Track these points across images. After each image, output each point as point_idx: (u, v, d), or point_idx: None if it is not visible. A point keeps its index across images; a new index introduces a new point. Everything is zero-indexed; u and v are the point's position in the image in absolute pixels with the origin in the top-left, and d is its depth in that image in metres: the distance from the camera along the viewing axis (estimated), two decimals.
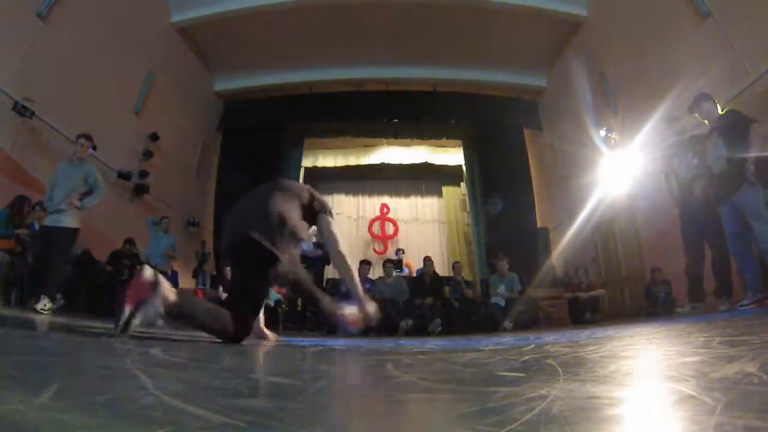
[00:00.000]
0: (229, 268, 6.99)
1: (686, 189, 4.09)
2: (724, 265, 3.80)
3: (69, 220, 3.92)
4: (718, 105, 3.81)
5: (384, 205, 11.84)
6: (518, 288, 6.12)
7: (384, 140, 10.64)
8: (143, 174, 7.26)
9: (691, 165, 4.06)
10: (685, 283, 4.19)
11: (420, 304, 5.93)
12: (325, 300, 2.19)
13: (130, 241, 6.17)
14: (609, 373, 0.87)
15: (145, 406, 0.53)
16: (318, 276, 7.19)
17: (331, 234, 2.23)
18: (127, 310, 1.57)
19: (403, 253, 9.71)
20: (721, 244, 3.77)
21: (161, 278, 1.68)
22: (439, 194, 12.21)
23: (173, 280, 6.93)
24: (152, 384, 0.68)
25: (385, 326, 5.79)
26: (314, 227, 2.33)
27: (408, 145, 10.93)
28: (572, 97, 7.75)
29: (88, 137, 4.25)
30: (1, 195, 4.64)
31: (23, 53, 5.01)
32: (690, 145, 4.15)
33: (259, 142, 9.10)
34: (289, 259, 1.98)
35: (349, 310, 2.16)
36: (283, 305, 7.08)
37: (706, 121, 3.82)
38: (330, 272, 9.87)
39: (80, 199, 3.98)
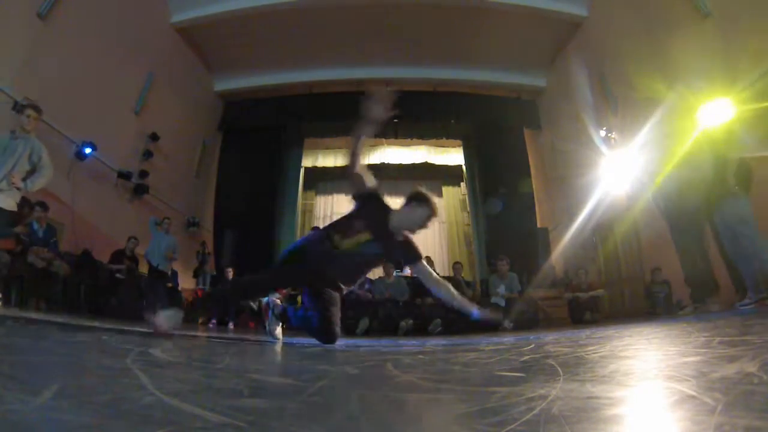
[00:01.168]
0: (231, 269, 7.00)
1: (670, 200, 4.17)
2: (698, 267, 3.88)
3: (5, 201, 3.36)
4: (715, 109, 3.83)
5: None
6: (518, 288, 6.12)
7: (384, 140, 10.64)
8: (143, 174, 7.26)
9: (673, 178, 4.15)
10: (686, 287, 4.23)
11: (420, 304, 5.92)
12: None
13: (134, 238, 6.16)
14: (609, 373, 0.87)
15: (145, 406, 0.53)
16: None
17: None
18: None
19: None
20: (698, 247, 3.89)
21: None
22: (439, 194, 12.20)
23: (173, 280, 6.93)
24: (152, 384, 0.68)
25: (385, 326, 5.80)
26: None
27: (408, 145, 10.93)
28: (572, 97, 7.75)
29: (36, 108, 3.60)
30: None
31: (23, 53, 5.01)
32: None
33: (259, 142, 9.10)
34: None
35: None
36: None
37: (703, 124, 3.86)
38: None
39: (23, 179, 3.40)
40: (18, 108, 3.72)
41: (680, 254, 4.15)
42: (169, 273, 6.83)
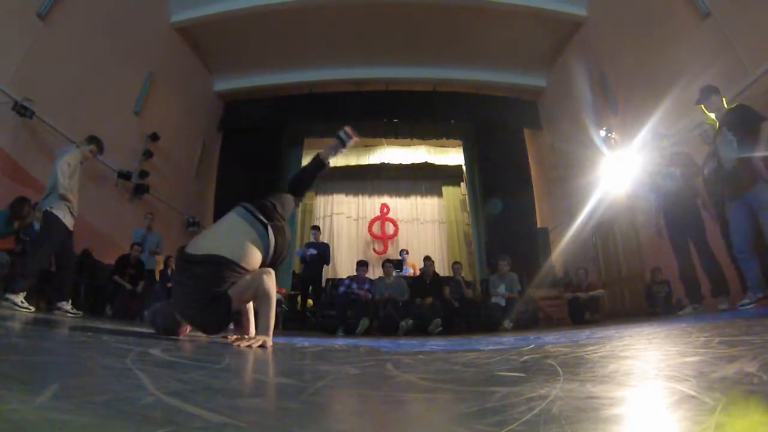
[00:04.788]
0: None
1: (671, 200, 4.17)
2: (713, 265, 3.86)
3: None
4: (724, 99, 3.80)
5: (384, 205, 11.84)
6: (518, 288, 6.12)
7: (384, 140, 10.64)
8: (143, 174, 7.26)
9: (675, 177, 4.16)
10: (682, 286, 4.26)
11: (420, 304, 5.93)
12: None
13: (138, 244, 6.12)
14: (609, 373, 0.87)
15: (145, 406, 0.53)
16: (316, 276, 7.18)
17: None
18: None
19: (407, 253, 9.70)
20: (706, 247, 3.90)
21: None
22: (439, 194, 12.21)
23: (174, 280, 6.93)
24: (152, 384, 0.68)
25: (385, 326, 5.80)
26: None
27: (408, 145, 10.93)
28: (572, 97, 7.75)
29: (100, 145, 4.17)
30: (1, 195, 4.64)
31: (23, 53, 5.01)
32: (673, 160, 4.33)
33: (259, 142, 9.10)
34: None
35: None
36: (283, 305, 7.08)
37: (714, 114, 3.80)
38: (330, 272, 9.88)
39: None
40: (85, 142, 4.14)
41: (674, 250, 4.17)
42: (169, 272, 6.82)
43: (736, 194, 3.48)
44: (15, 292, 3.50)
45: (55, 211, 3.74)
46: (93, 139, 4.15)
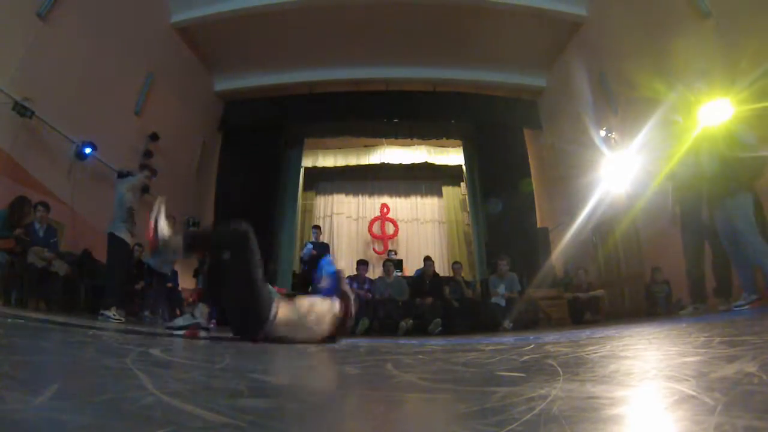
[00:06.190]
0: None
1: (685, 189, 4.12)
2: (724, 265, 3.83)
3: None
4: (715, 108, 3.83)
5: (384, 205, 11.84)
6: (518, 288, 6.12)
7: (384, 140, 10.64)
8: None
9: (689, 165, 4.09)
10: (687, 284, 4.21)
11: (420, 304, 5.93)
12: None
13: (139, 245, 6.11)
14: (609, 373, 0.87)
15: (145, 406, 0.53)
16: (316, 276, 7.17)
17: None
18: None
19: (395, 254, 9.71)
20: (721, 244, 3.80)
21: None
22: (439, 194, 12.21)
23: (173, 280, 6.93)
24: (152, 384, 0.68)
25: (385, 326, 5.80)
26: None
27: (408, 145, 10.93)
28: (572, 97, 7.75)
29: (153, 171, 4.96)
30: (1, 195, 4.64)
31: (23, 53, 5.01)
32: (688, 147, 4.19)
33: (259, 142, 9.10)
34: None
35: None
36: None
37: (703, 123, 3.84)
38: None
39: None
40: (138, 170, 4.96)
41: (684, 245, 4.13)
42: (170, 273, 6.82)
43: (718, 200, 3.57)
44: (107, 308, 4.30)
45: (118, 233, 4.55)
46: (145, 167, 4.97)
